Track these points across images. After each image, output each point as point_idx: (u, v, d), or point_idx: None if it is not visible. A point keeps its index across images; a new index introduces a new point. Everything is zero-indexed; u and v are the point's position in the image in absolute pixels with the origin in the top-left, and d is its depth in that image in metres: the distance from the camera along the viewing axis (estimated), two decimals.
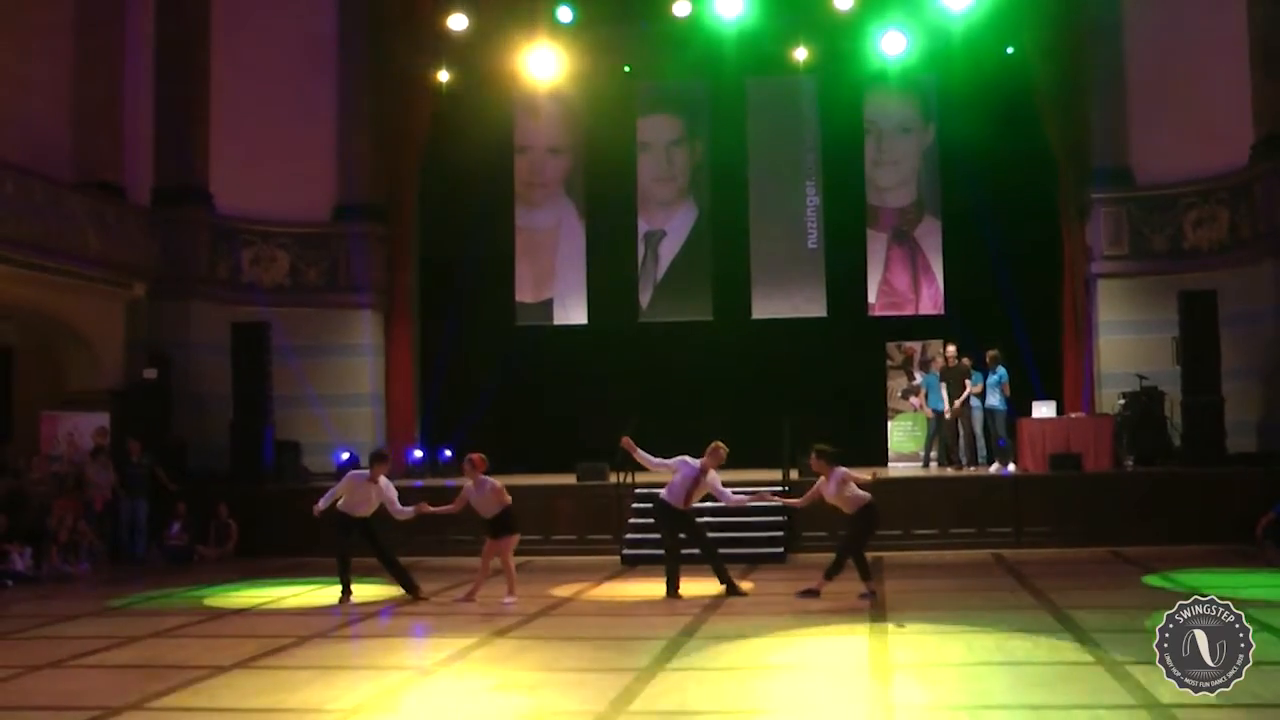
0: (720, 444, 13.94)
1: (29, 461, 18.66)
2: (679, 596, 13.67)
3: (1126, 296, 21.62)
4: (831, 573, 13.18)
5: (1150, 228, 21.63)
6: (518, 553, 14.19)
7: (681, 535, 14.04)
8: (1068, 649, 10.15)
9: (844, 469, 13.26)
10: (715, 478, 13.96)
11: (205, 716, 8.74)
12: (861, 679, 9.17)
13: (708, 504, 14.65)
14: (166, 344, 21.27)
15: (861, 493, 13.24)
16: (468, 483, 13.95)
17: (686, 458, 14.00)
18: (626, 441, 14.14)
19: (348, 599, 14.24)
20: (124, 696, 9.09)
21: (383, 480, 14.38)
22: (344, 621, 13.11)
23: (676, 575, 13.87)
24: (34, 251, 18.58)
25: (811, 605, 12.92)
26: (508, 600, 13.52)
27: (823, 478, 13.31)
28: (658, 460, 14.07)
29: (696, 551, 14.08)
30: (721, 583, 13.90)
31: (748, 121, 24.19)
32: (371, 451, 15.04)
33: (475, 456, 13.98)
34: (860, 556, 13.33)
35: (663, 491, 14.10)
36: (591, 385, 23.12)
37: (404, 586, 14.33)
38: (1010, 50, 22.74)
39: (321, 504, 14.43)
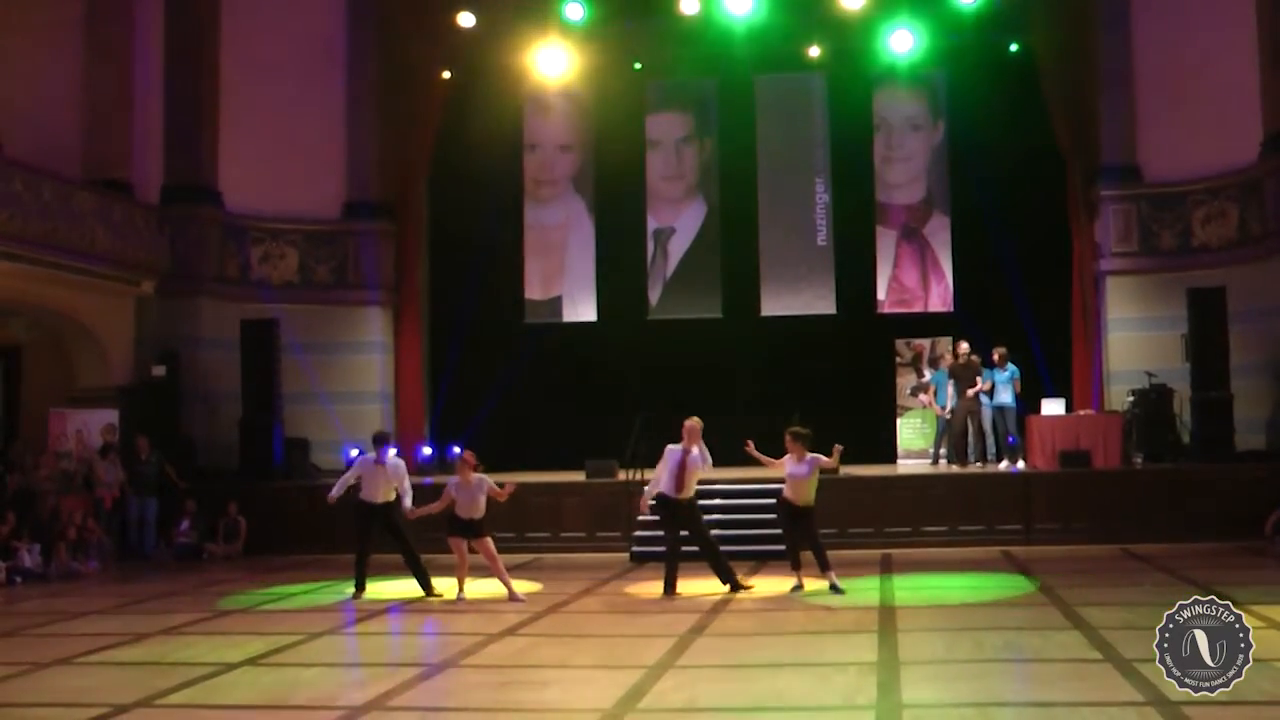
0: (689, 420, 13.96)
1: (37, 459, 18.68)
2: (675, 596, 13.68)
3: (1135, 293, 21.58)
4: (826, 564, 13.71)
5: (1159, 224, 21.58)
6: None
7: (684, 533, 13.99)
8: (1077, 646, 10.14)
9: (819, 457, 13.77)
10: (697, 454, 13.91)
11: (213, 714, 8.75)
12: (870, 676, 9.15)
13: (715, 500, 14.64)
14: (175, 341, 21.27)
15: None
16: (455, 479, 13.82)
17: (670, 446, 13.97)
18: (643, 503, 14.35)
19: (360, 594, 14.27)
20: (132, 694, 9.10)
21: (390, 460, 14.44)
22: (352, 619, 13.13)
23: (674, 575, 13.85)
24: (43, 249, 18.59)
25: (820, 602, 12.95)
26: (518, 599, 13.57)
27: (791, 456, 13.82)
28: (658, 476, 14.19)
29: (697, 549, 14.09)
30: (724, 582, 13.89)
31: (757, 119, 24.11)
32: (373, 436, 15.15)
33: (468, 454, 13.93)
34: (811, 548, 13.92)
35: (660, 487, 14.04)
36: (600, 382, 23.13)
37: (421, 584, 14.33)
38: (1014, 48, 22.70)
39: (335, 491, 14.59)
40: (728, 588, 13.81)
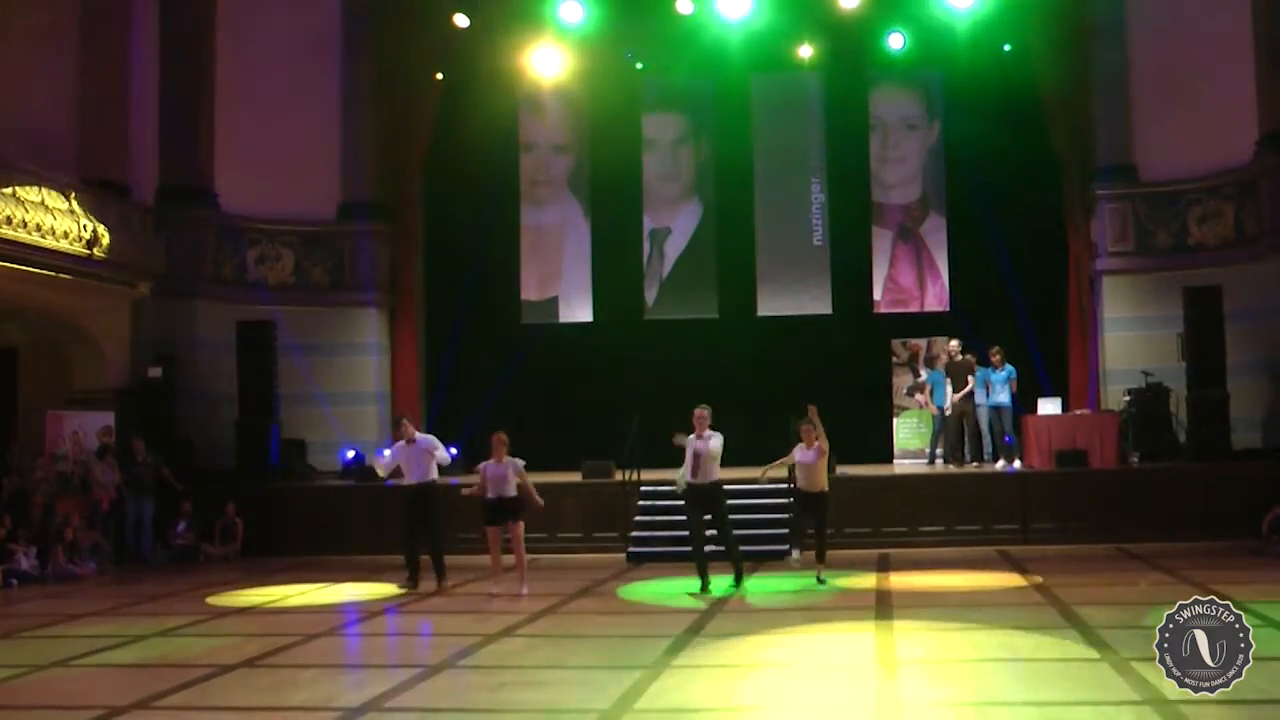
0: (696, 410, 14.23)
1: (34, 461, 18.64)
2: (709, 591, 13.75)
3: (1131, 293, 21.57)
4: (824, 554, 14.53)
5: (1155, 224, 21.57)
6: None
7: (707, 516, 14.23)
8: (1073, 645, 10.15)
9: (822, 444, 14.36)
10: (709, 440, 14.15)
11: (210, 715, 8.75)
12: (868, 676, 9.16)
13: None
14: (172, 343, 21.21)
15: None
16: (490, 462, 14.11)
17: (692, 437, 14.27)
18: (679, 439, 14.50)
19: (415, 585, 14.63)
20: (129, 696, 9.09)
21: (419, 439, 14.92)
22: (349, 620, 13.13)
23: (705, 569, 14.03)
24: (39, 250, 18.53)
25: (818, 602, 12.97)
26: (523, 592, 13.71)
27: (804, 445, 14.42)
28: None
29: (718, 548, 14.31)
30: (737, 582, 14.04)
31: (753, 119, 24.08)
32: (393, 420, 15.64)
33: (502, 435, 14.21)
34: (816, 536, 14.59)
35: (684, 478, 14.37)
36: (597, 383, 23.06)
37: (437, 574, 14.68)
38: (1007, 48, 22.67)
39: (387, 465, 15.09)
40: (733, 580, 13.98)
